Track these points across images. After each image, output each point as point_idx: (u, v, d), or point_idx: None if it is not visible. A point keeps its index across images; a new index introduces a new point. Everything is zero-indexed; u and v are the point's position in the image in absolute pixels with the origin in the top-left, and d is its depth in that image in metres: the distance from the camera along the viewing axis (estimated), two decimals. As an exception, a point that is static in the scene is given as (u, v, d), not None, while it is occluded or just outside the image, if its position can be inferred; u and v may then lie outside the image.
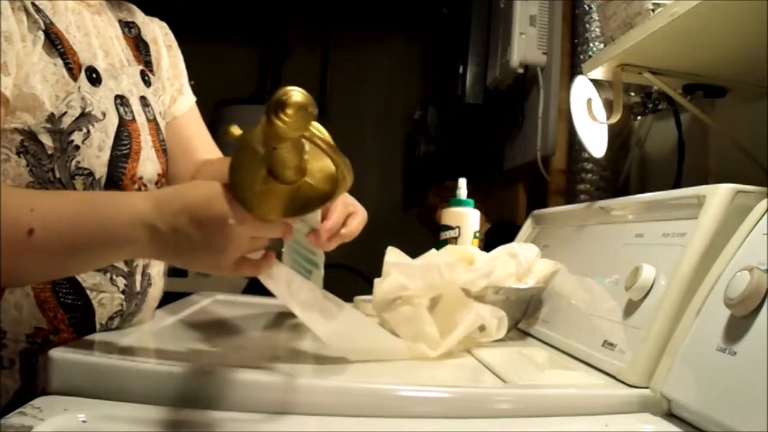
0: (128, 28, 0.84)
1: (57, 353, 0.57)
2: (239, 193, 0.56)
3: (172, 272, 0.89)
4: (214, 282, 2.57)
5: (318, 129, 0.55)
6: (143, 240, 0.56)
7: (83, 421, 0.50)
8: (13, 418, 0.48)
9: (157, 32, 0.90)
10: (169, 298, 0.92)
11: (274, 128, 0.50)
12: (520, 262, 0.88)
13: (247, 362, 0.66)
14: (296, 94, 0.49)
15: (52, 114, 0.66)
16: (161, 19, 0.93)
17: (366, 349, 0.69)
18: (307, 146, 0.56)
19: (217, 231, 0.55)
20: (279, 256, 0.70)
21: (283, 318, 1.01)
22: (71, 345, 0.62)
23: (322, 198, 0.58)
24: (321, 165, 0.58)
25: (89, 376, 0.56)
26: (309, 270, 0.77)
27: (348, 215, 0.71)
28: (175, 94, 0.91)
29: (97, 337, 0.69)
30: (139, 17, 0.88)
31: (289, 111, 0.48)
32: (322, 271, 0.77)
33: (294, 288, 0.65)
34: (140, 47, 0.85)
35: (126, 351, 0.65)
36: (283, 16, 2.98)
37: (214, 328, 0.89)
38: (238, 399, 0.55)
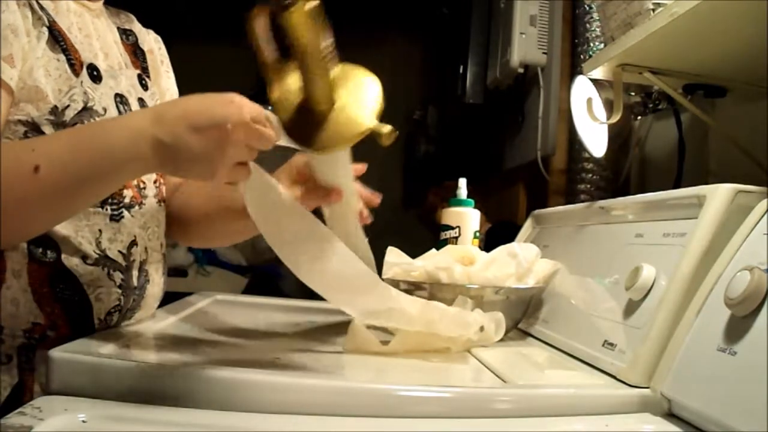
0: (126, 35, 0.86)
1: (57, 353, 0.57)
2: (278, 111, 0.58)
3: (172, 272, 0.90)
4: (214, 282, 2.58)
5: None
6: (145, 153, 0.57)
7: (83, 421, 0.50)
8: (13, 418, 0.48)
9: (153, 44, 0.91)
10: (169, 298, 0.92)
11: (283, 21, 0.51)
12: (520, 262, 0.88)
13: (246, 362, 0.66)
14: None
15: (55, 107, 0.67)
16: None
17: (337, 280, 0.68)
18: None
19: (214, 136, 0.56)
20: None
21: (283, 317, 1.01)
22: (71, 345, 0.62)
23: (338, 139, 0.59)
24: (354, 101, 0.59)
25: (89, 376, 0.56)
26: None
27: None
28: None
29: (96, 336, 0.69)
30: (137, 26, 0.89)
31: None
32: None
33: (269, 202, 0.66)
34: (137, 54, 0.87)
35: (126, 351, 0.65)
36: (283, 16, 2.98)
37: (214, 328, 0.89)
38: (237, 399, 0.55)
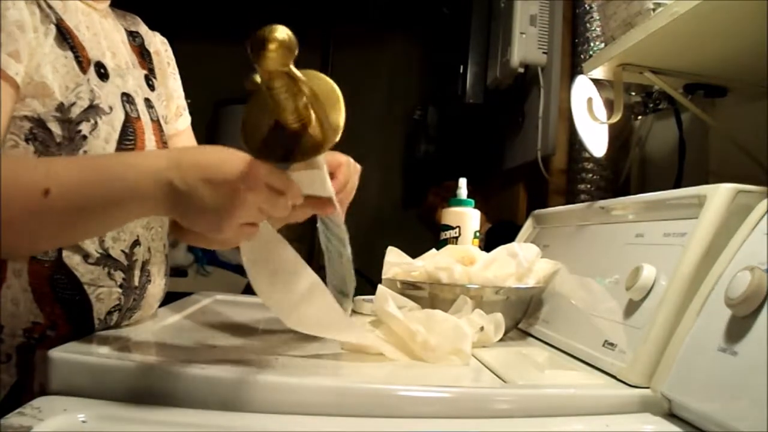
0: (132, 36, 0.87)
1: (57, 353, 0.57)
2: (248, 139, 0.57)
3: (172, 272, 0.89)
4: (214, 282, 2.58)
5: (314, 76, 0.58)
6: (156, 195, 0.56)
7: (83, 421, 0.50)
8: (13, 419, 0.48)
9: (159, 46, 0.92)
10: (169, 298, 0.92)
11: (259, 63, 0.51)
12: (520, 262, 0.88)
13: (246, 362, 0.66)
14: (280, 30, 0.50)
15: (62, 103, 0.67)
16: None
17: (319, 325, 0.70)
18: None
19: (226, 193, 0.55)
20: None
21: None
22: (71, 345, 0.62)
23: (315, 147, 0.58)
24: (324, 118, 0.58)
25: (89, 376, 0.56)
26: (341, 253, 0.77)
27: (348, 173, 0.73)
28: (181, 110, 0.94)
29: (96, 336, 0.69)
30: (143, 28, 0.90)
31: (271, 46, 0.50)
32: (348, 250, 0.78)
33: (265, 255, 0.65)
34: (144, 55, 0.87)
35: (126, 351, 0.65)
36: (283, 16, 2.98)
37: (214, 328, 0.89)
38: (237, 399, 0.55)
